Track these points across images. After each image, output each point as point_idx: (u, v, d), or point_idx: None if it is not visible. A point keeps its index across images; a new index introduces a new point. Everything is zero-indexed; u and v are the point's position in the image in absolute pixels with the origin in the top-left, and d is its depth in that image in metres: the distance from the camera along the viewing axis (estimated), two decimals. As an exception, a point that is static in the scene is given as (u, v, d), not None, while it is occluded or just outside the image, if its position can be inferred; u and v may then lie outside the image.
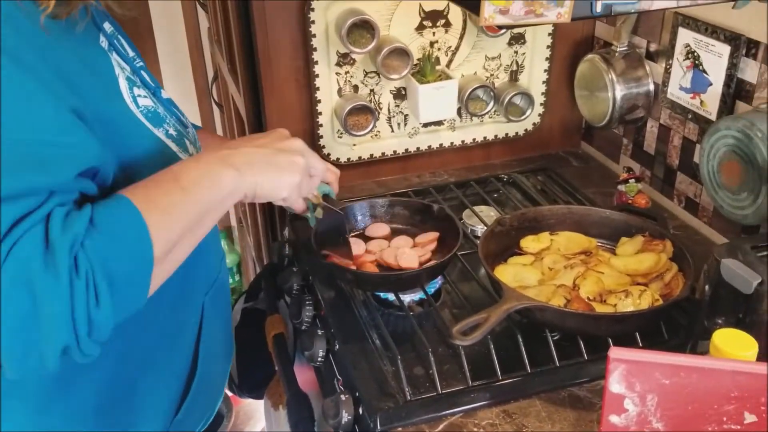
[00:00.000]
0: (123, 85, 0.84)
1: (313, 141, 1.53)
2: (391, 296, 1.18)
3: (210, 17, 2.10)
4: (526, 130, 1.66)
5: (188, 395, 1.00)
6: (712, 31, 1.24)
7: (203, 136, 1.16)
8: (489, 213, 1.42)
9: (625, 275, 1.14)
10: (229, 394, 1.39)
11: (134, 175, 0.81)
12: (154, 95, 0.92)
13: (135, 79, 0.88)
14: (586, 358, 1.05)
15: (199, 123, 2.58)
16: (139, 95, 0.87)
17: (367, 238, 1.27)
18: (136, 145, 0.82)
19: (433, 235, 1.23)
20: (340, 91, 1.50)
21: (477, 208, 1.43)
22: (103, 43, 0.86)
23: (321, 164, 0.97)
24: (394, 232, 1.29)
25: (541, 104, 1.63)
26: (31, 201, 0.67)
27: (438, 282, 1.23)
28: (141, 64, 0.93)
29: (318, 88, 1.47)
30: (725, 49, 1.22)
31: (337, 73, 1.47)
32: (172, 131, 0.90)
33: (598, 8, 0.80)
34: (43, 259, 0.66)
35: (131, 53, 0.92)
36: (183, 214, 0.78)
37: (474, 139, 1.64)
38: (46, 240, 0.67)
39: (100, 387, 0.89)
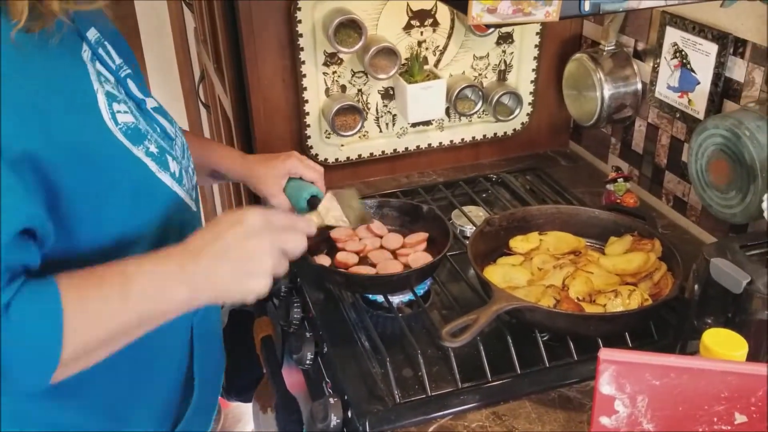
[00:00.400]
0: (102, 101, 0.80)
1: (301, 141, 1.52)
2: (379, 298, 1.17)
3: (196, 17, 2.08)
4: (514, 129, 1.65)
5: (183, 417, 0.98)
6: (700, 29, 1.24)
7: (223, 153, 1.16)
8: (478, 213, 1.42)
9: (615, 275, 1.14)
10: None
11: (107, 198, 0.78)
12: (139, 107, 0.88)
13: (117, 92, 0.84)
14: (575, 358, 1.04)
15: (186, 124, 2.56)
16: (119, 111, 0.82)
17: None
18: (110, 166, 0.79)
19: (423, 235, 1.23)
20: (327, 91, 1.48)
21: (466, 208, 1.42)
22: (86, 53, 0.81)
23: (296, 249, 0.87)
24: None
25: (530, 104, 1.63)
26: None
27: (427, 283, 1.22)
28: (128, 71, 0.88)
29: (305, 88, 1.46)
30: (713, 48, 1.22)
31: (324, 73, 1.46)
32: (153, 148, 0.85)
33: (587, 7, 0.79)
34: None
35: (118, 60, 0.88)
36: (112, 324, 0.74)
37: (462, 139, 1.63)
38: None
39: (87, 418, 0.87)
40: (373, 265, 1.18)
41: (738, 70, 1.20)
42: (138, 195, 0.82)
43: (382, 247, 1.23)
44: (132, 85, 0.88)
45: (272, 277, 0.82)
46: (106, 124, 0.79)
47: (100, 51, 0.84)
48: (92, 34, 0.84)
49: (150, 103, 0.91)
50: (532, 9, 0.76)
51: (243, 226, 0.80)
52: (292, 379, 1.28)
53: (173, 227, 0.88)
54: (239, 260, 0.79)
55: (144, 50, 2.39)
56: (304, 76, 1.45)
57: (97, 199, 0.78)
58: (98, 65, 0.83)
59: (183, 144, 0.96)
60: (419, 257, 1.18)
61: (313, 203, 1.24)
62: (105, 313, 0.73)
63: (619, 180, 1.40)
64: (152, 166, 0.84)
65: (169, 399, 0.97)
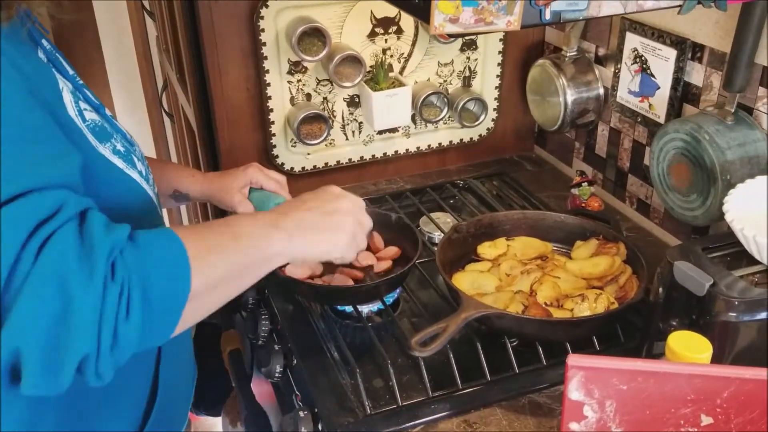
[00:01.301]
0: (67, 98, 0.81)
1: (267, 151, 1.50)
2: (349, 308, 1.17)
3: (158, 26, 2.05)
4: (480, 135, 1.66)
5: (147, 425, 0.96)
6: (659, 35, 1.26)
7: (182, 172, 1.14)
8: (446, 219, 1.42)
9: (581, 279, 1.15)
10: (186, 412, 1.35)
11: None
12: (98, 112, 0.88)
13: (78, 94, 0.85)
14: (544, 363, 1.05)
15: (149, 133, 2.52)
16: (85, 109, 0.83)
17: None
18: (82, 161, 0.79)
19: (394, 250, 1.22)
20: (292, 99, 1.47)
21: (434, 215, 1.42)
22: (43, 58, 0.83)
23: (369, 221, 0.94)
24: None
25: (495, 109, 1.64)
26: (51, 195, 0.64)
27: (396, 292, 1.21)
28: (81, 82, 0.90)
29: (270, 97, 1.45)
30: (672, 53, 1.24)
31: (289, 82, 1.45)
32: (119, 147, 0.86)
33: (547, 15, 0.80)
34: (78, 256, 0.62)
35: (71, 71, 0.89)
36: (227, 258, 0.76)
37: (429, 146, 1.63)
38: (80, 236, 0.63)
39: (57, 419, 0.85)
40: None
41: (696, 74, 1.22)
42: (108, 192, 0.82)
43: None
44: (88, 93, 0.88)
45: (357, 243, 0.89)
46: (74, 120, 0.79)
47: (54, 59, 0.85)
48: (46, 43, 0.85)
49: (107, 111, 0.91)
50: (494, 18, 0.77)
51: (326, 192, 0.90)
52: (263, 389, 1.26)
53: (145, 227, 0.87)
54: (324, 215, 0.86)
55: (105, 59, 2.35)
56: (269, 85, 1.43)
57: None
58: (54, 70, 0.83)
59: (141, 152, 0.96)
60: (383, 266, 1.18)
61: None
62: (219, 246, 0.75)
63: (583, 184, 1.41)
64: (120, 163, 0.85)
65: (135, 408, 0.95)
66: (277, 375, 1.13)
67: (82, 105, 0.83)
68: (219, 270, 0.75)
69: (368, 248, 1.22)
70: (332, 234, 0.87)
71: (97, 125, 0.83)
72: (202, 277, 0.72)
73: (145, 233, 0.70)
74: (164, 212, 1.00)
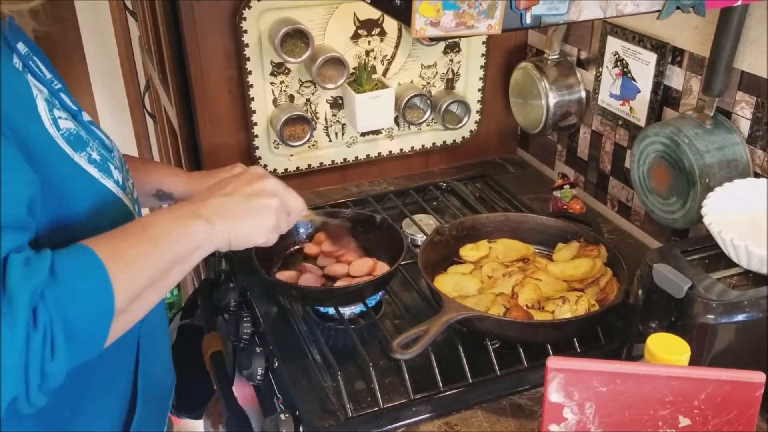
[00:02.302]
0: (41, 106, 0.79)
1: (249, 152, 1.50)
2: (331, 310, 1.16)
3: (140, 26, 2.04)
4: (463, 137, 1.67)
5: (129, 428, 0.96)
6: (639, 39, 1.27)
7: (165, 171, 1.13)
8: (428, 221, 1.42)
9: (562, 281, 1.16)
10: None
11: (56, 205, 0.77)
12: (75, 118, 0.87)
13: (54, 101, 0.83)
14: (526, 365, 1.05)
15: (132, 134, 2.50)
16: (59, 117, 0.81)
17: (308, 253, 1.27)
18: (53, 172, 0.77)
19: (369, 264, 1.21)
20: (275, 101, 1.47)
21: (416, 217, 1.43)
22: (17, 64, 0.81)
23: (297, 203, 0.93)
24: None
25: (478, 112, 1.65)
26: None
27: (379, 294, 1.21)
28: (59, 86, 0.88)
29: (252, 99, 1.44)
30: (652, 57, 1.25)
31: (272, 83, 1.45)
32: (95, 155, 0.85)
33: (528, 20, 0.80)
34: (4, 306, 0.63)
35: (48, 75, 0.87)
36: (149, 267, 0.75)
37: (412, 148, 1.64)
38: (2, 287, 0.64)
39: (35, 423, 0.84)
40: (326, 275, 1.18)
41: (676, 78, 1.23)
42: (82, 202, 0.81)
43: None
44: (65, 98, 0.87)
45: (281, 226, 0.88)
46: (47, 130, 0.78)
47: (30, 64, 0.84)
48: (22, 47, 0.84)
49: (85, 116, 0.90)
50: (475, 22, 0.77)
51: (246, 174, 0.88)
52: (245, 391, 1.26)
53: None
54: (244, 198, 0.85)
55: (87, 59, 2.33)
56: (251, 86, 1.43)
57: (44, 206, 0.76)
58: (30, 77, 0.82)
59: (121, 158, 0.96)
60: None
61: None
62: (138, 257, 0.75)
63: (565, 187, 1.42)
64: (95, 173, 0.84)
65: (115, 413, 0.95)
66: (258, 377, 1.12)
67: (57, 113, 0.81)
68: (142, 281, 0.74)
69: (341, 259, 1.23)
70: (255, 218, 0.85)
71: (72, 134, 0.82)
72: (126, 295, 0.72)
73: (65, 261, 0.69)
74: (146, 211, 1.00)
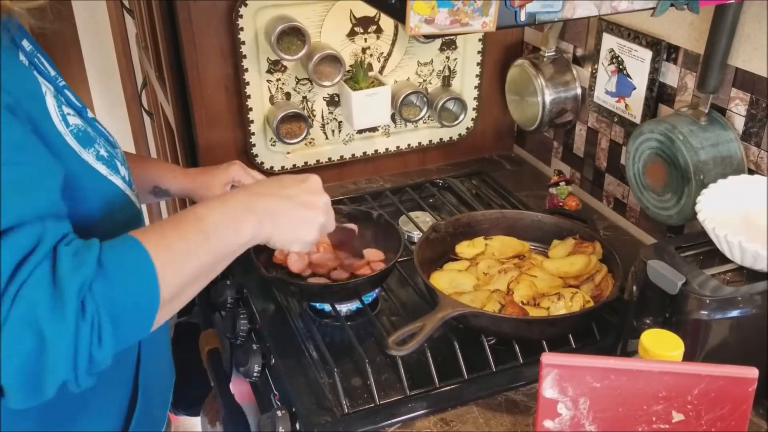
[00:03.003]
0: (51, 102, 0.79)
1: (246, 150, 1.50)
2: (327, 307, 1.17)
3: (137, 23, 2.04)
4: (459, 134, 1.67)
5: (129, 427, 0.96)
6: (635, 36, 1.28)
7: (162, 168, 1.14)
8: (425, 219, 1.42)
9: (558, 278, 1.16)
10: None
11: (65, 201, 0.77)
12: (81, 115, 0.87)
13: (60, 98, 0.84)
14: (521, 361, 1.06)
15: (129, 131, 2.50)
16: (68, 113, 0.82)
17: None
18: (65, 169, 0.78)
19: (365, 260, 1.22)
20: (271, 98, 1.47)
21: (413, 214, 1.43)
22: (23, 61, 0.81)
23: (331, 225, 0.93)
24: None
25: (474, 109, 1.65)
26: (27, 233, 0.66)
27: (375, 290, 1.22)
28: (63, 83, 0.88)
29: (249, 96, 1.44)
30: (647, 54, 1.25)
31: (268, 81, 1.45)
32: (102, 152, 0.85)
33: (522, 17, 0.80)
34: (50, 302, 0.66)
35: (53, 72, 0.87)
36: (197, 261, 0.76)
37: (409, 145, 1.64)
38: (53, 279, 0.66)
39: (38, 421, 0.85)
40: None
41: (671, 75, 1.23)
42: (91, 200, 0.82)
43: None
44: (70, 95, 0.87)
45: (314, 241, 0.89)
46: (57, 127, 0.79)
47: (36, 61, 0.84)
48: (26, 45, 0.84)
49: (89, 113, 0.90)
50: (469, 20, 0.77)
51: (307, 183, 0.88)
52: (242, 387, 1.26)
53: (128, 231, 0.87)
54: (299, 206, 0.86)
55: (84, 56, 2.32)
56: (248, 83, 1.43)
57: None
58: (36, 74, 0.82)
59: (122, 154, 0.95)
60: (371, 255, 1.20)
61: None
62: (188, 251, 0.75)
63: (561, 183, 1.43)
64: (103, 170, 0.84)
65: (116, 411, 0.95)
66: (255, 374, 1.13)
67: (65, 109, 0.82)
68: (188, 274, 0.75)
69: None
70: (301, 229, 0.87)
71: (80, 130, 0.82)
72: (172, 287, 0.73)
73: (112, 252, 0.71)
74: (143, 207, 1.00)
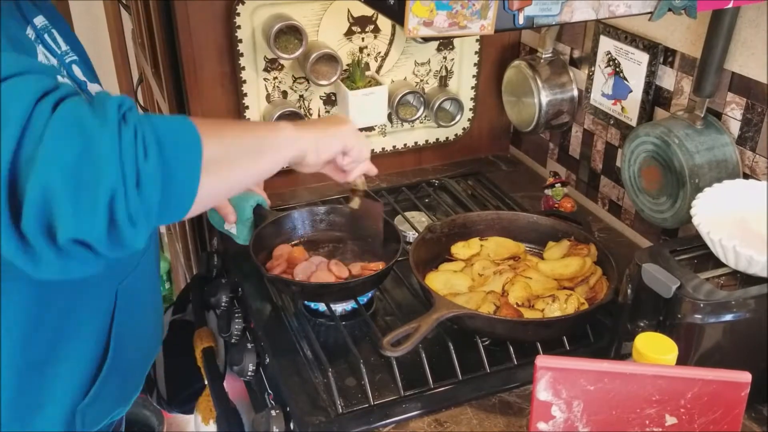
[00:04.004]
0: None
1: (242, 148, 1.50)
2: (322, 306, 1.17)
3: (133, 19, 2.03)
4: (456, 134, 1.67)
5: (97, 380, 0.95)
6: (632, 39, 1.28)
7: None
8: (420, 219, 1.42)
9: (552, 279, 1.16)
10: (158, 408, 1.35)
11: None
12: (80, 88, 0.89)
13: (62, 71, 0.86)
14: (515, 363, 1.06)
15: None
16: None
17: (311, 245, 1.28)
18: None
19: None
20: (268, 96, 1.47)
21: (408, 214, 1.43)
22: (30, 35, 0.84)
23: (364, 150, 1.02)
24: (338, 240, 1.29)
25: (471, 109, 1.65)
26: (51, 77, 0.68)
27: (371, 291, 1.22)
28: (74, 57, 0.90)
29: (245, 94, 1.44)
30: (644, 57, 1.26)
31: (265, 79, 1.45)
32: None
33: (521, 20, 0.80)
34: (91, 107, 0.66)
35: (65, 47, 0.90)
36: (237, 136, 0.79)
37: (405, 145, 1.64)
38: (90, 101, 0.67)
39: (9, 360, 0.85)
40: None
41: (668, 78, 1.24)
42: None
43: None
44: (77, 70, 0.90)
45: (349, 148, 0.98)
46: None
47: (46, 36, 0.86)
48: (39, 21, 0.87)
49: (93, 88, 0.91)
50: (468, 23, 0.77)
51: (351, 132, 0.98)
52: (236, 389, 1.26)
53: None
54: (330, 123, 0.97)
55: (80, 52, 2.31)
56: (245, 82, 1.43)
57: None
58: (41, 47, 0.84)
59: None
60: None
61: (258, 212, 1.22)
62: (227, 126, 0.80)
63: (556, 185, 1.43)
64: None
65: (81, 371, 0.94)
66: (249, 373, 1.13)
67: (60, 80, 0.83)
68: (229, 143, 0.77)
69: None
70: (338, 129, 0.95)
71: None
72: (213, 145, 0.73)
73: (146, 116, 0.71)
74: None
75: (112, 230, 0.65)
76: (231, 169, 0.77)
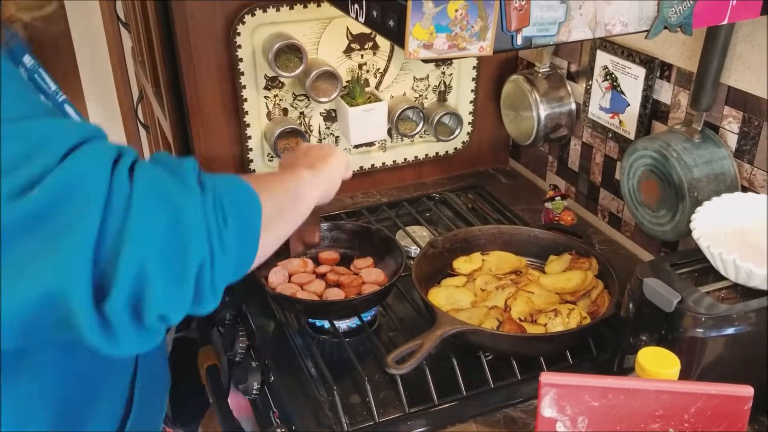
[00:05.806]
0: None
1: (243, 165, 1.51)
2: (326, 323, 1.17)
3: (133, 37, 2.05)
4: (455, 148, 1.68)
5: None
6: (628, 54, 1.29)
7: None
8: (422, 233, 1.43)
9: (554, 293, 1.17)
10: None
11: None
12: None
13: (58, 113, 0.85)
14: (519, 378, 1.06)
15: (125, 144, 2.50)
16: None
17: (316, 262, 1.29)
18: None
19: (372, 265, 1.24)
20: (269, 114, 1.48)
21: (410, 229, 1.44)
22: (24, 76, 0.83)
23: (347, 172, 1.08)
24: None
25: (470, 123, 1.66)
26: (110, 143, 0.67)
27: (374, 307, 1.22)
28: (64, 97, 0.90)
29: (246, 112, 1.45)
30: (641, 72, 1.27)
31: (265, 97, 1.46)
32: None
33: (519, 41, 0.82)
34: (169, 172, 0.65)
35: (53, 86, 0.89)
36: (278, 193, 0.82)
37: (405, 159, 1.65)
38: (160, 167, 0.66)
39: (45, 420, 0.85)
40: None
41: (665, 92, 1.25)
42: None
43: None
44: (69, 110, 0.89)
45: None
46: None
47: (36, 77, 0.85)
48: (28, 60, 0.86)
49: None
50: (467, 44, 0.78)
51: (343, 156, 1.04)
52: (241, 407, 1.26)
53: None
54: (322, 155, 1.00)
55: (80, 69, 2.33)
56: (245, 100, 1.44)
57: None
58: (34, 89, 0.83)
59: None
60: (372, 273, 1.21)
61: None
62: (268, 181, 0.85)
63: (556, 198, 1.44)
64: None
65: (112, 414, 0.94)
66: (254, 392, 1.13)
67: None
68: (276, 200, 0.79)
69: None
70: (333, 158, 0.99)
71: None
72: (267, 204, 0.74)
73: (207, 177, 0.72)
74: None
75: (195, 300, 0.65)
76: (279, 225, 0.80)
